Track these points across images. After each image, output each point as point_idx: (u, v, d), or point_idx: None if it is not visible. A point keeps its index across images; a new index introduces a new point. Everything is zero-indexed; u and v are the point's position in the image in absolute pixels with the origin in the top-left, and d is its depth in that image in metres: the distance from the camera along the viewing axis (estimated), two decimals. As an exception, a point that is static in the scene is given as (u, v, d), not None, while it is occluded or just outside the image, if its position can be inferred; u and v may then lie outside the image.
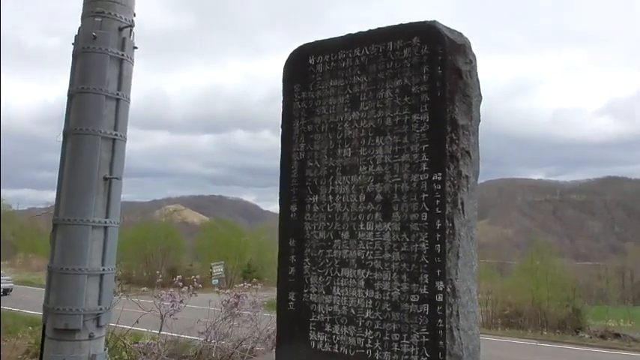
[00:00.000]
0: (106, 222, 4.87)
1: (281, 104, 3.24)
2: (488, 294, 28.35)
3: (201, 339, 8.72)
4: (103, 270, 4.83)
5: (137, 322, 7.87)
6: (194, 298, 9.11)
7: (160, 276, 9.78)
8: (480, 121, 2.85)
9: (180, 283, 8.73)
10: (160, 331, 8.67)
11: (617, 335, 24.72)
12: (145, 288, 10.26)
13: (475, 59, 2.79)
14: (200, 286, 9.09)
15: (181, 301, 8.37)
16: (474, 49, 2.82)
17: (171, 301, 8.46)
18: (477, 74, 2.80)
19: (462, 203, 2.67)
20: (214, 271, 34.32)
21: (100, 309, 4.79)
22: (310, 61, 3.13)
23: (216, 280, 32.62)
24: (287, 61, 3.24)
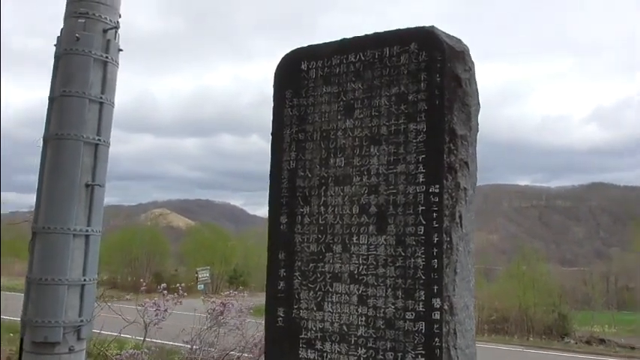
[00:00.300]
0: (87, 230, 4.71)
1: (271, 110, 3.11)
2: (475, 299, 28.30)
3: (188, 346, 8.55)
4: (85, 280, 4.67)
5: (120, 333, 7.67)
6: (180, 304, 8.93)
7: (144, 283, 9.58)
8: (478, 131, 2.74)
9: (165, 292, 8.54)
10: (144, 339, 8.48)
11: (602, 341, 24.90)
12: (128, 296, 10.06)
13: (474, 67, 2.69)
14: (185, 294, 8.92)
15: (165, 310, 8.19)
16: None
17: (155, 310, 8.27)
18: (476, 82, 2.70)
19: (460, 216, 2.56)
20: (200, 276, 34.04)
21: (81, 321, 4.63)
22: (303, 67, 3.00)
23: (202, 286, 32.36)
24: (278, 66, 3.11)
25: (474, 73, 2.68)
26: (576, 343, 24.62)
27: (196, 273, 34.60)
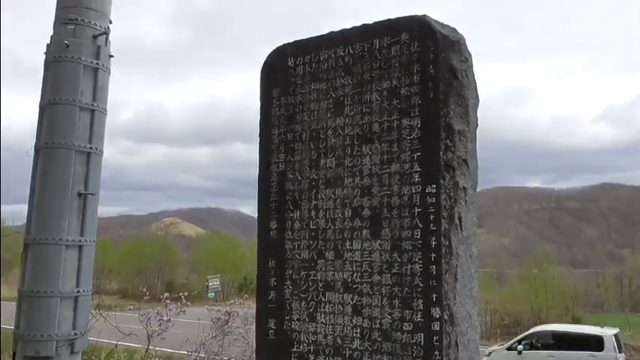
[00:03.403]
0: (80, 240, 4.57)
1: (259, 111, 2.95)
2: (487, 303, 28.05)
3: (193, 356, 8.41)
4: (78, 292, 4.53)
5: (116, 346, 7.54)
6: (190, 312, 8.81)
7: (147, 293, 9.48)
8: (477, 126, 2.56)
9: (168, 301, 8.40)
10: (147, 349, 8.35)
11: (617, 344, 24.42)
12: (131, 306, 9.93)
13: (471, 57, 2.51)
14: (188, 304, 8.77)
15: (169, 320, 8.05)
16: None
17: (158, 320, 8.12)
18: (473, 74, 2.52)
19: (460, 218, 2.38)
20: (211, 284, 34.09)
21: (75, 334, 4.48)
22: (289, 63, 2.84)
23: (213, 294, 32.36)
24: (264, 63, 2.95)
25: (471, 65, 2.51)
26: (590, 347, 24.17)
27: (207, 281, 34.62)
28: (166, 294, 8.59)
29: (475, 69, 2.57)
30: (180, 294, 9.03)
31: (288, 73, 2.84)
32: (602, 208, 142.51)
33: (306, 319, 2.64)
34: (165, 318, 8.12)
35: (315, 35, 2.79)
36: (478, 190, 2.62)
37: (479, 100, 2.60)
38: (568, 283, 33.64)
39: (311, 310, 2.63)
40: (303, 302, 2.66)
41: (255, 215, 2.93)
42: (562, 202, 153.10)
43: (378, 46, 2.56)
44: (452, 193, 2.37)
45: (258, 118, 2.96)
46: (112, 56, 4.97)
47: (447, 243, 2.33)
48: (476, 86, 2.57)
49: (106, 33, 4.88)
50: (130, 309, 9.73)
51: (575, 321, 27.40)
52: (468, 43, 2.54)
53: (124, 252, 45.11)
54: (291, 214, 2.75)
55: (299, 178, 2.75)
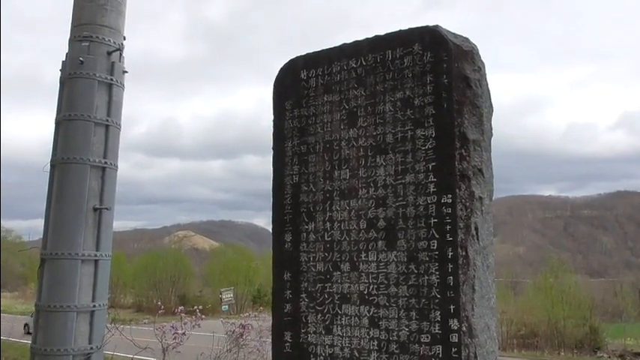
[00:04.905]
0: (96, 255, 4.61)
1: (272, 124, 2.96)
2: (503, 314, 27.69)
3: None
4: (94, 306, 4.55)
5: (133, 358, 7.55)
6: (204, 325, 8.82)
7: (162, 307, 9.49)
8: (492, 135, 2.55)
9: (183, 314, 8.41)
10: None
11: (636, 355, 24.08)
12: (146, 320, 9.97)
13: (484, 66, 2.51)
14: (203, 317, 8.78)
15: (184, 333, 8.05)
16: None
17: (173, 334, 8.12)
18: (487, 83, 2.52)
19: (476, 228, 2.36)
20: (224, 297, 34.12)
21: (91, 348, 4.50)
22: (302, 76, 2.86)
23: (226, 307, 32.38)
24: (277, 76, 2.97)
25: (485, 74, 2.50)
26: (609, 357, 23.84)
27: (220, 294, 34.65)
28: (181, 307, 8.59)
29: (488, 78, 2.57)
30: (195, 307, 9.03)
31: (301, 85, 2.85)
32: (618, 216, 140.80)
33: (323, 332, 2.62)
34: (180, 331, 8.12)
35: (327, 47, 2.80)
36: (492, 199, 2.60)
37: (493, 109, 2.60)
38: (585, 292, 33.10)
39: (327, 322, 2.61)
40: (319, 315, 2.65)
41: (268, 227, 2.93)
42: (577, 210, 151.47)
43: (390, 57, 2.57)
44: (468, 203, 2.36)
45: (272, 130, 2.98)
46: (125, 72, 5.03)
47: (463, 254, 2.31)
48: (490, 95, 2.56)
49: (120, 49, 4.94)
50: (145, 322, 9.75)
51: (593, 331, 26.96)
52: (480, 52, 2.54)
53: (138, 266, 45.37)
54: (306, 226, 2.75)
55: (313, 189, 2.75)
